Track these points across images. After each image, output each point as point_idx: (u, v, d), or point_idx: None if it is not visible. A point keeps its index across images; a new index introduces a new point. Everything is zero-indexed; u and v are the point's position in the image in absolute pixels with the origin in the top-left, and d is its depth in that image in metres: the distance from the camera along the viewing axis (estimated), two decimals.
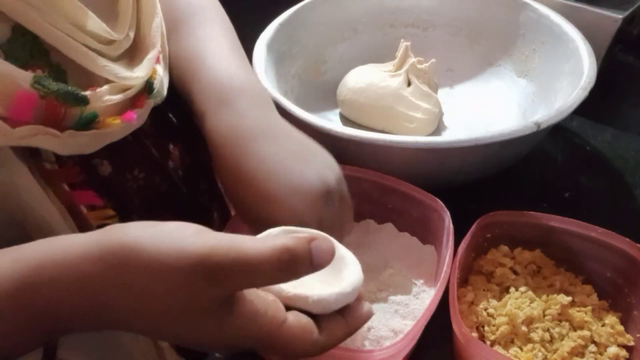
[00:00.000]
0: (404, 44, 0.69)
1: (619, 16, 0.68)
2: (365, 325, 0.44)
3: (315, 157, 0.42)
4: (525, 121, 0.53)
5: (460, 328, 0.40)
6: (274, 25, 0.70)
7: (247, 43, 0.60)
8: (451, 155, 0.52)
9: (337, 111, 0.74)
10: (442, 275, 0.42)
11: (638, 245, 0.45)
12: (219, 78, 0.44)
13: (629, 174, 0.64)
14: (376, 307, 0.46)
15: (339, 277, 0.33)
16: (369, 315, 0.33)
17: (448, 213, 0.47)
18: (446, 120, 0.72)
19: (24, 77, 0.32)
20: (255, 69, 0.63)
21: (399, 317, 0.45)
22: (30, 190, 0.35)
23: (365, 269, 0.50)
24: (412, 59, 0.68)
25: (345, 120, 0.72)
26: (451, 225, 0.46)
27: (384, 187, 0.51)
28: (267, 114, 0.43)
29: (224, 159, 0.41)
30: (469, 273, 0.50)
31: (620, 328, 0.44)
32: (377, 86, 0.68)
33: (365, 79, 0.70)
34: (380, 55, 0.75)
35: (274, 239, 0.27)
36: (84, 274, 0.27)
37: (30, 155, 0.36)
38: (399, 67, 0.69)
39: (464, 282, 0.49)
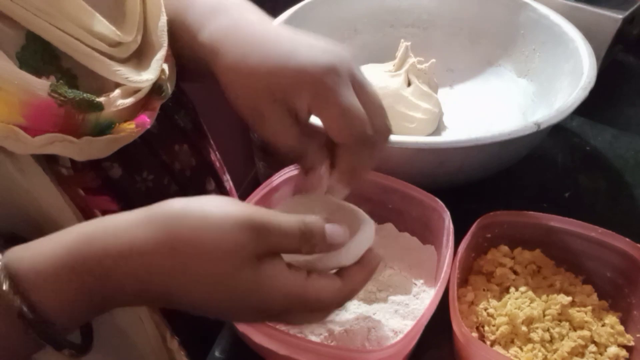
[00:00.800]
0: (404, 44, 0.69)
1: (619, 16, 0.68)
2: (365, 326, 0.44)
3: (318, 42, 0.38)
4: (525, 121, 0.53)
5: (460, 328, 0.40)
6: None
7: None
8: (451, 155, 0.52)
9: None
10: (442, 275, 0.42)
11: (638, 245, 0.45)
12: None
13: (629, 174, 0.64)
14: (376, 307, 0.46)
15: (352, 227, 0.36)
16: (379, 258, 0.36)
17: (448, 213, 0.47)
18: (446, 120, 0.72)
19: (41, 86, 0.32)
20: None
21: (399, 317, 0.45)
22: (48, 196, 0.35)
23: None
24: (412, 59, 0.68)
25: None
26: (451, 225, 0.46)
27: (384, 187, 0.51)
28: (263, 17, 0.43)
29: (221, 53, 0.39)
30: (469, 273, 0.50)
31: (620, 328, 0.44)
32: (377, 86, 0.68)
33: None
34: (380, 55, 0.75)
35: (298, 215, 0.31)
36: (134, 238, 0.29)
37: (47, 161, 0.36)
38: (399, 67, 0.69)
39: (464, 282, 0.49)
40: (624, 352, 0.43)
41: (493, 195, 0.60)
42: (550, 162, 0.67)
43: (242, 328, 0.43)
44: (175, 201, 0.30)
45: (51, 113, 0.33)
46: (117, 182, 0.42)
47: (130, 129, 0.39)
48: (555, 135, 0.69)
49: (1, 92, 0.30)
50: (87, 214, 0.39)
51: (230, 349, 0.48)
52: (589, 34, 0.64)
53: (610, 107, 0.74)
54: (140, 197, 0.44)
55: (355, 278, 0.34)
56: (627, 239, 0.45)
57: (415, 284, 0.49)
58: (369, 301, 0.47)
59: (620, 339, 0.44)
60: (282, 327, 0.44)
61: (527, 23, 0.71)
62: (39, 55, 0.34)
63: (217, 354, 0.48)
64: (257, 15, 0.43)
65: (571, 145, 0.69)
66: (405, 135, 0.52)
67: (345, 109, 0.35)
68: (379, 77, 0.69)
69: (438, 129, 0.70)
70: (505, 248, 0.50)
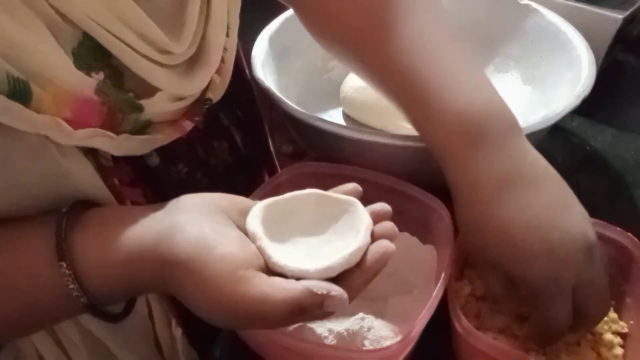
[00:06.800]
0: None
1: (619, 16, 0.68)
2: (365, 325, 0.44)
3: (574, 206, 0.40)
4: (524, 121, 0.53)
5: (460, 321, 0.41)
6: (281, 19, 0.69)
7: (250, 42, 0.60)
8: None
9: (340, 109, 0.74)
10: (442, 275, 0.42)
11: (629, 234, 0.45)
12: (454, 106, 0.40)
13: (629, 174, 0.64)
14: (376, 307, 0.47)
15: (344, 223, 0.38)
16: (386, 256, 0.36)
17: (448, 213, 0.47)
18: None
19: (88, 84, 0.35)
20: (253, 60, 0.62)
21: (399, 317, 0.45)
22: (91, 183, 0.38)
23: None
24: None
25: (348, 118, 0.72)
26: (451, 225, 0.46)
27: (384, 187, 0.51)
28: (520, 147, 0.41)
29: (471, 204, 0.40)
30: (464, 267, 0.50)
31: (614, 315, 0.45)
32: None
33: None
34: None
35: (293, 290, 0.31)
36: (136, 270, 0.33)
37: (89, 152, 0.38)
38: None
39: (459, 276, 0.49)
40: (618, 339, 0.44)
41: None
42: (550, 162, 0.66)
43: None
44: (182, 248, 0.32)
45: (95, 110, 0.35)
46: (153, 170, 0.44)
47: (169, 132, 0.41)
48: (555, 135, 0.69)
49: (54, 86, 0.32)
50: (119, 203, 0.41)
51: (230, 349, 0.48)
52: (589, 34, 0.64)
53: (610, 107, 0.74)
54: (171, 186, 0.46)
55: (352, 284, 0.34)
56: (619, 229, 0.46)
57: (416, 284, 0.49)
58: (369, 301, 0.47)
59: (615, 327, 0.44)
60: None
61: (534, 30, 0.70)
62: (92, 52, 0.35)
63: (217, 354, 0.48)
64: (512, 151, 0.40)
65: (571, 145, 0.69)
66: (405, 135, 0.52)
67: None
68: None
69: None
70: None
